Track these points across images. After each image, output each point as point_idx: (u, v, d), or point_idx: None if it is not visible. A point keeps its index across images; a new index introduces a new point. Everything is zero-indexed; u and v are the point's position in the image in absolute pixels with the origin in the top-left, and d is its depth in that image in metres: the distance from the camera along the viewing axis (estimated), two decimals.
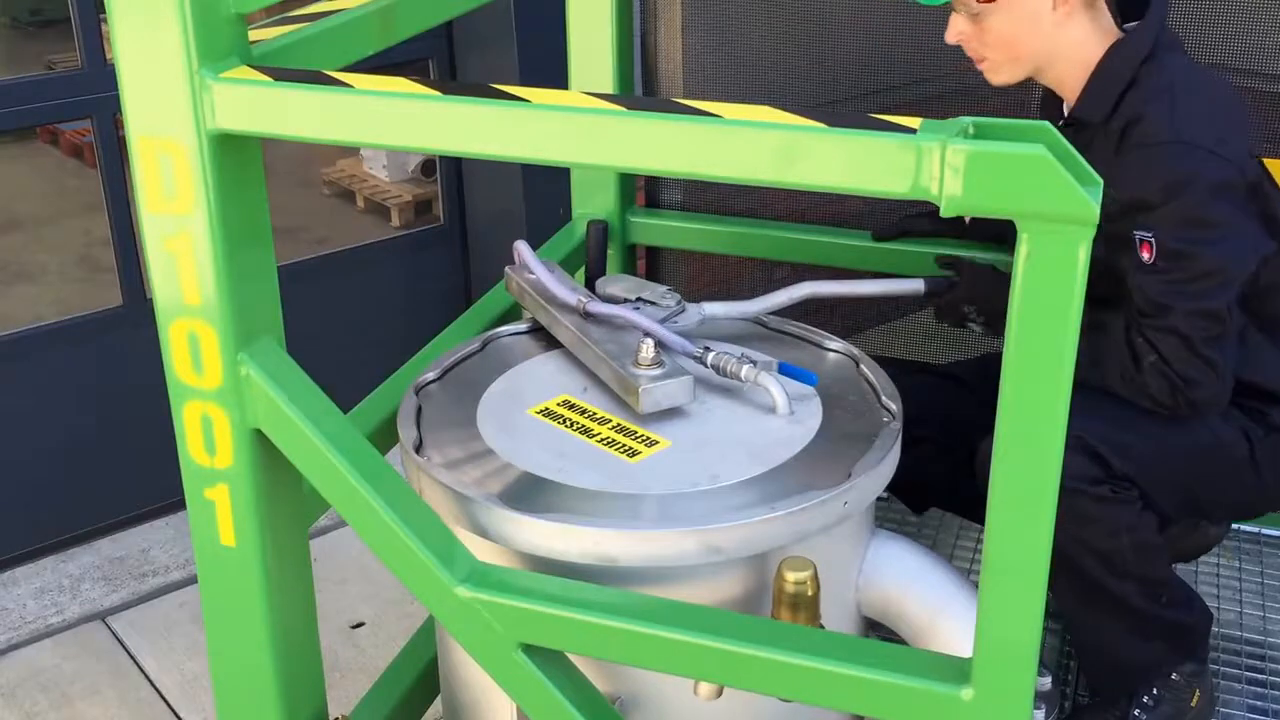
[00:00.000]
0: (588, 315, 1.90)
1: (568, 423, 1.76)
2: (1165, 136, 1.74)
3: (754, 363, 1.78)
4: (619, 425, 1.74)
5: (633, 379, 1.72)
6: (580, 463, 1.67)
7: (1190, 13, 2.20)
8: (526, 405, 1.81)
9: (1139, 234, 1.74)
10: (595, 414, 1.78)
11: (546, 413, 1.79)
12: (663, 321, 1.87)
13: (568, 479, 1.63)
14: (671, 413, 1.74)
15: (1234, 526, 2.46)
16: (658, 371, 1.73)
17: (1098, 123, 1.82)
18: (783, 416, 1.74)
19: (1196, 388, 1.77)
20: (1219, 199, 1.74)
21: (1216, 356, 1.76)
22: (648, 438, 1.71)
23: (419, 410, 1.81)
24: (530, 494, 1.61)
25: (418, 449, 1.72)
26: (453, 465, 1.68)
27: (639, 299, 1.94)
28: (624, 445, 1.70)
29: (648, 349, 1.74)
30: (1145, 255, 1.74)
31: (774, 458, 1.67)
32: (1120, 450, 1.80)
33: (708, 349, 1.81)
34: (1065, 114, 1.92)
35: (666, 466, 1.66)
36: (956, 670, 1.37)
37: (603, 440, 1.71)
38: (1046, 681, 1.85)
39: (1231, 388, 1.82)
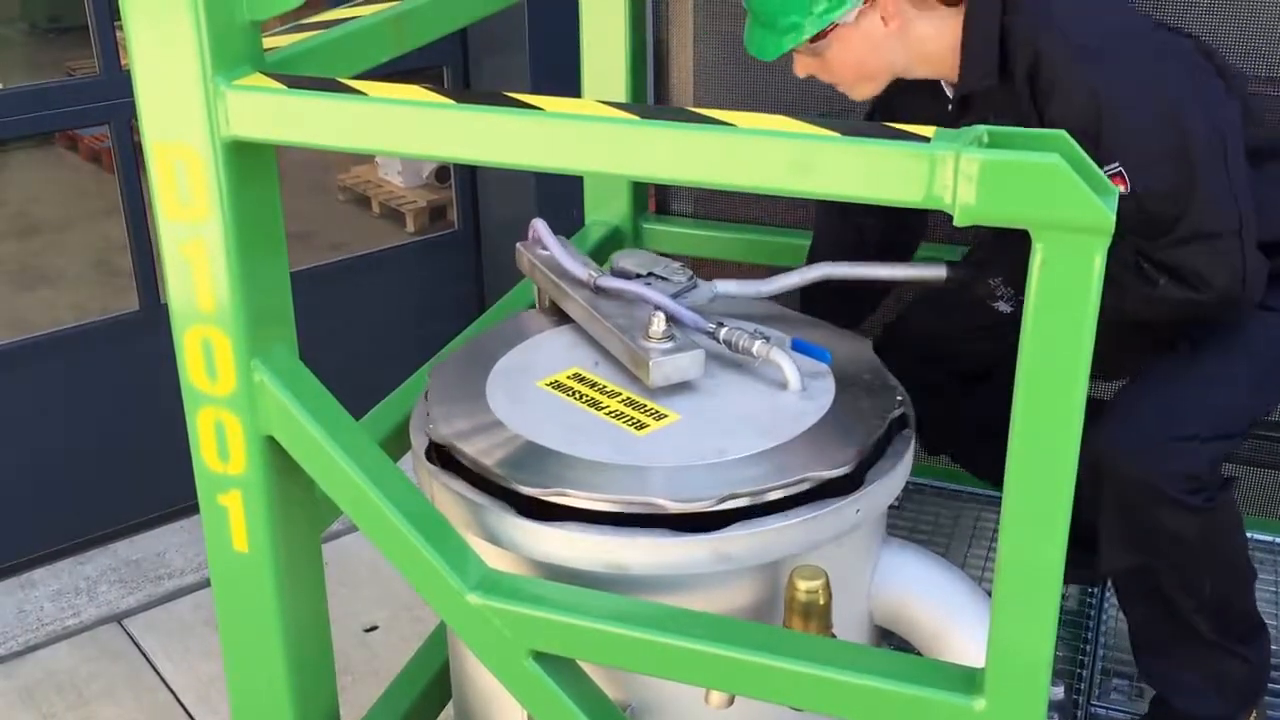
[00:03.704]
0: (599, 290, 1.88)
1: (577, 395, 1.75)
2: (1069, 59, 1.67)
3: (767, 338, 1.75)
4: (628, 399, 1.73)
5: (643, 352, 1.70)
6: (587, 435, 1.65)
7: (1184, 14, 2.18)
8: (536, 378, 1.80)
9: (1105, 171, 1.67)
10: (605, 387, 1.76)
11: (556, 385, 1.78)
12: (674, 297, 1.84)
13: (573, 450, 1.62)
14: (682, 387, 1.72)
15: (1248, 536, 2.44)
16: (668, 345, 1.71)
17: (994, 88, 1.75)
18: (794, 392, 1.72)
19: (1216, 281, 1.68)
20: (1152, 73, 1.67)
21: (1233, 248, 1.67)
22: (657, 411, 1.69)
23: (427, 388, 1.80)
24: (535, 464, 1.60)
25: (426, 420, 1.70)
26: (459, 436, 1.66)
27: (650, 274, 1.91)
28: (632, 418, 1.68)
29: (659, 323, 1.72)
30: (1121, 189, 1.63)
31: (783, 433, 1.64)
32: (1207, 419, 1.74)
33: (720, 324, 1.78)
34: (950, 94, 1.85)
35: (673, 440, 1.64)
36: (969, 680, 1.36)
37: (611, 413, 1.70)
38: (1059, 691, 1.84)
39: (1262, 281, 1.72)
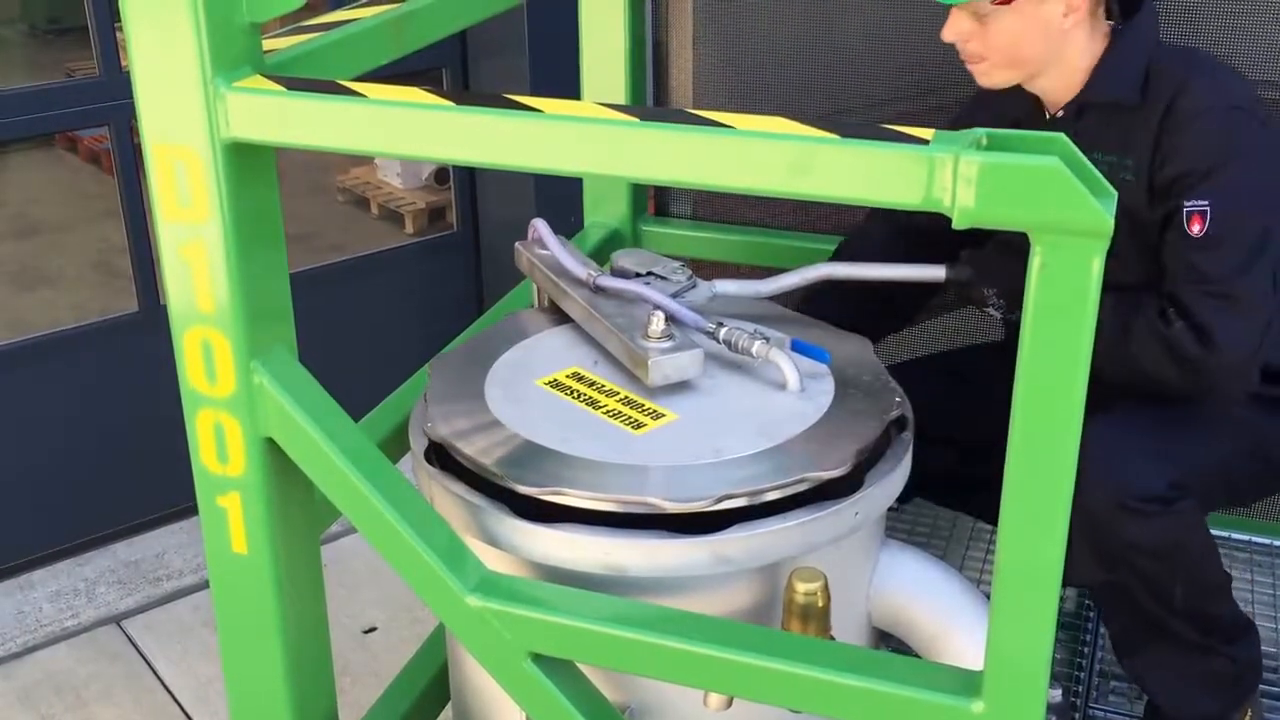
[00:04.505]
0: (598, 289, 1.87)
1: (575, 394, 1.75)
2: (1220, 103, 1.73)
3: (766, 338, 1.75)
4: (627, 398, 1.72)
5: (642, 351, 1.70)
6: (583, 434, 1.65)
7: (1196, 18, 2.18)
8: (535, 376, 1.80)
9: (1190, 205, 1.70)
10: (604, 386, 1.76)
11: (555, 384, 1.78)
12: (674, 296, 1.83)
13: (571, 449, 1.61)
14: (681, 387, 1.72)
15: (1247, 539, 2.45)
16: (667, 344, 1.71)
17: (1126, 105, 1.79)
18: (793, 393, 1.72)
19: (1224, 345, 1.71)
20: (1273, 164, 1.74)
21: (1254, 324, 1.72)
22: (655, 411, 1.69)
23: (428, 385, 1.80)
24: (532, 463, 1.60)
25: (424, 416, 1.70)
26: (457, 435, 1.66)
27: (650, 273, 1.91)
28: (630, 417, 1.68)
29: (658, 322, 1.72)
30: (1195, 228, 1.70)
31: (782, 434, 1.64)
32: (1174, 457, 1.77)
33: (720, 324, 1.78)
34: (1049, 112, 1.88)
35: (670, 439, 1.63)
36: (967, 683, 1.37)
37: (609, 412, 1.70)
38: (1057, 694, 1.84)
39: (1259, 365, 1.77)
